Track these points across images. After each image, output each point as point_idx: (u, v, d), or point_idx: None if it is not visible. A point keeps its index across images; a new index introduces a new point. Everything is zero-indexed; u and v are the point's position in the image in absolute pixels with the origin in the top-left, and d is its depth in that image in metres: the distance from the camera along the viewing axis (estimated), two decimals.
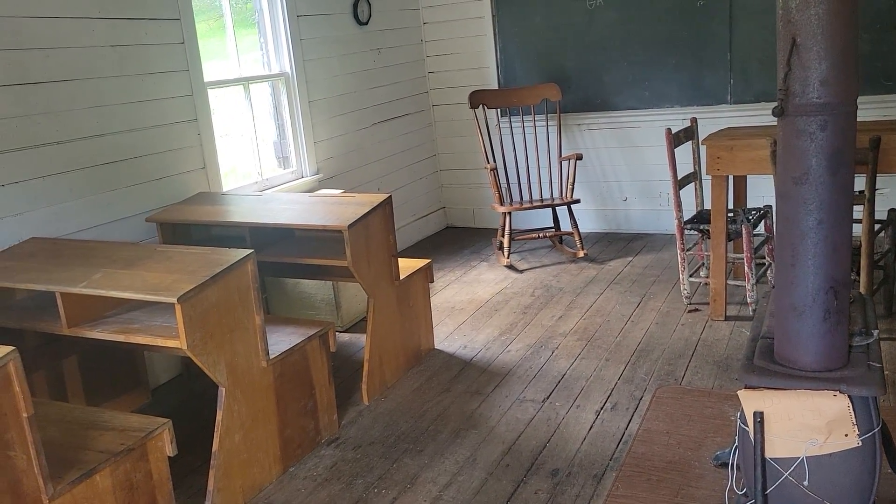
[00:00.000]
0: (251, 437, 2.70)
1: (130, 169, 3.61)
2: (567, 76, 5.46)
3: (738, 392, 1.97)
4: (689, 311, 4.05)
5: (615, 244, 5.39)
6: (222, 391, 2.57)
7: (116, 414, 2.46)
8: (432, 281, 3.85)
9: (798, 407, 1.88)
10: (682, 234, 4.02)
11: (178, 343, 2.44)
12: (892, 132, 3.40)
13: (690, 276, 4.20)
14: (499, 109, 5.57)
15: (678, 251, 4.07)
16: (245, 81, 4.38)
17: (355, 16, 5.09)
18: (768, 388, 1.92)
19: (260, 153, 4.51)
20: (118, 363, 3.34)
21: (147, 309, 2.82)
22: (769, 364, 1.97)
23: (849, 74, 1.74)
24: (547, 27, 5.44)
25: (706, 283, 4.12)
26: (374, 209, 3.32)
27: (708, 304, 3.98)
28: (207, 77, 4.00)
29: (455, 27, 5.76)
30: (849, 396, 1.83)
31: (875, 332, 2.02)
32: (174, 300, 2.37)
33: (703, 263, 4.37)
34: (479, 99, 5.27)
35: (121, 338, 2.62)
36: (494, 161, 5.27)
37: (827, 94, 1.73)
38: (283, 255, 3.43)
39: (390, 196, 3.44)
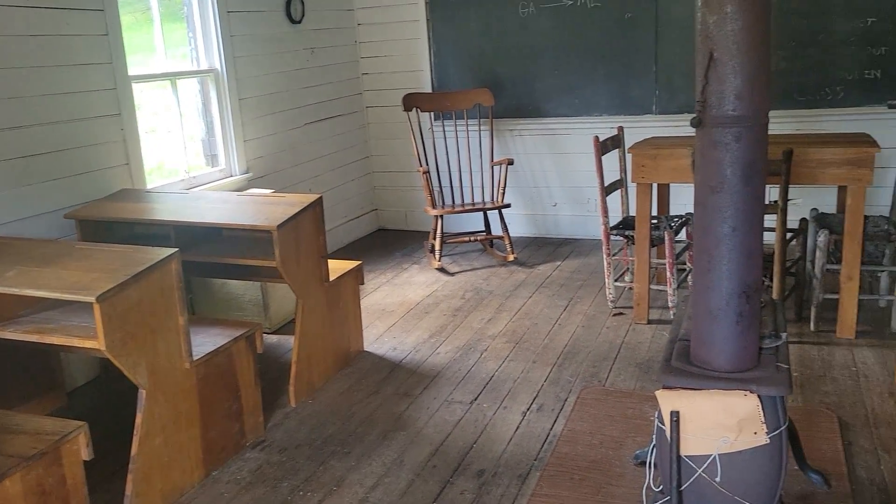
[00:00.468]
0: (172, 441, 2.64)
1: (49, 163, 3.48)
2: (500, 82, 5.53)
3: (656, 392, 2.04)
4: (614, 315, 4.15)
5: (544, 248, 5.48)
6: (142, 393, 2.51)
7: (29, 417, 2.37)
8: (363, 283, 3.84)
9: (711, 406, 1.96)
10: (608, 239, 4.12)
11: (97, 344, 2.37)
12: (804, 145, 3.58)
13: (616, 280, 4.31)
14: (432, 113, 5.60)
15: (604, 256, 4.18)
16: (172, 77, 4.28)
17: (288, 14, 5.04)
18: (684, 389, 1.99)
19: (187, 151, 4.41)
20: (32, 365, 3.21)
21: (64, 308, 2.73)
22: (685, 365, 2.04)
23: (761, 89, 1.82)
24: (481, 33, 5.50)
25: (630, 288, 4.23)
26: (304, 209, 3.29)
27: (632, 307, 4.10)
28: (132, 71, 3.89)
29: (390, 29, 5.77)
30: (758, 396, 1.92)
31: (784, 335, 2.12)
32: (92, 299, 2.30)
33: (628, 268, 4.49)
34: (412, 102, 5.29)
35: (35, 338, 2.52)
36: (427, 164, 5.29)
37: (741, 107, 1.81)
38: (209, 254, 3.36)
39: (321, 197, 3.41)
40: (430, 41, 5.66)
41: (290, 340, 3.96)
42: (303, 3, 5.15)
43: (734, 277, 1.92)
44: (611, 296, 4.23)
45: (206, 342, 2.85)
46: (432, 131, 5.51)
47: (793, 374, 3.32)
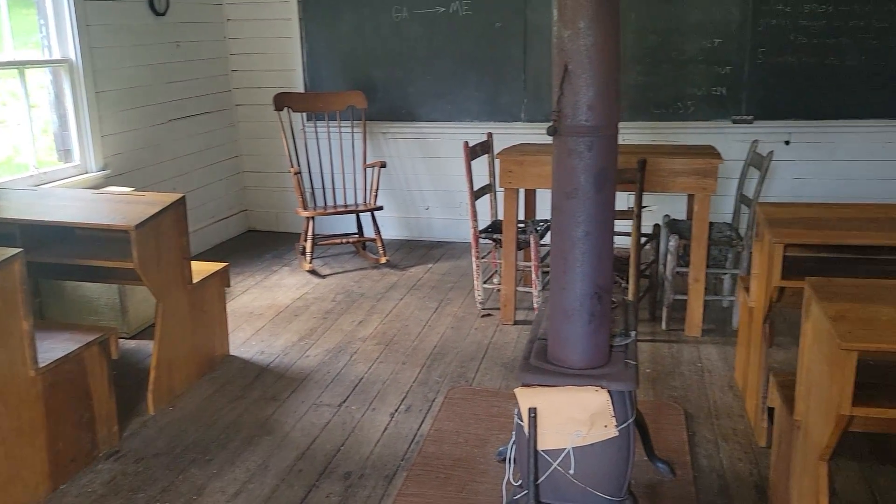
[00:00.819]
0: (14, 453, 2.46)
1: None
2: (374, 85, 5.54)
3: (515, 390, 2.11)
4: (483, 316, 4.25)
5: (416, 251, 5.53)
6: None
7: None
8: (228, 285, 3.73)
9: (566, 402, 2.06)
10: (477, 242, 4.22)
11: None
12: (658, 155, 3.81)
13: (484, 282, 4.42)
14: (305, 113, 5.53)
15: (473, 259, 4.27)
16: (20, 66, 4.00)
17: (151, 5, 4.82)
18: (541, 386, 2.08)
19: (37, 145, 4.13)
20: None
21: None
22: (543, 363, 2.13)
23: (611, 101, 1.93)
24: (355, 35, 5.49)
25: (498, 290, 4.35)
26: (165, 209, 3.16)
27: (499, 309, 4.21)
28: None
29: (261, 27, 5.65)
30: (608, 391, 2.03)
31: (633, 334, 2.25)
32: None
33: (496, 271, 4.61)
34: (284, 101, 5.20)
35: None
36: (299, 165, 5.22)
37: (593, 117, 1.92)
38: (60, 256, 3.17)
39: (184, 196, 3.30)
40: (303, 41, 5.58)
41: (149, 345, 3.79)
42: None
43: (587, 279, 2.02)
44: (479, 297, 4.33)
45: (54, 348, 2.68)
46: (304, 132, 5.45)
47: (646, 371, 3.53)
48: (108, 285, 3.78)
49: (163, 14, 4.93)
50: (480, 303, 4.34)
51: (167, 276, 3.21)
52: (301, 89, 5.64)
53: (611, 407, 2.04)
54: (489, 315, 4.26)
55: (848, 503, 2.52)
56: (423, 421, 3.13)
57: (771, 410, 2.59)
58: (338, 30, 5.51)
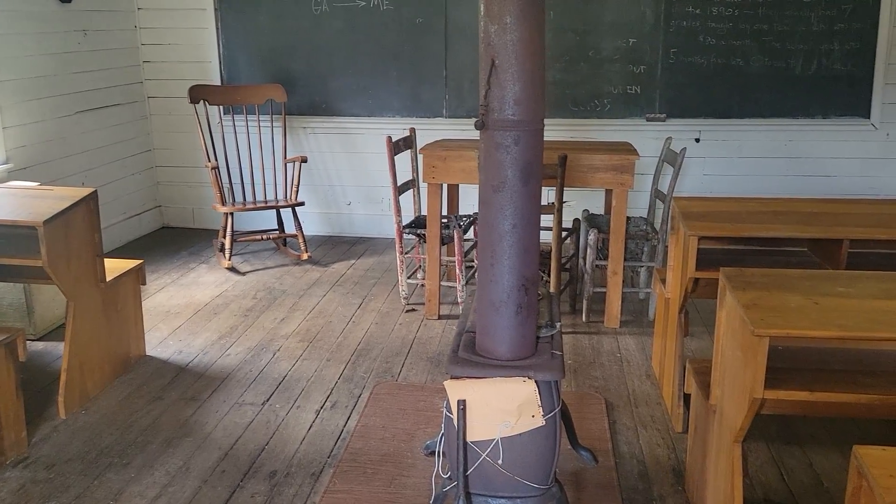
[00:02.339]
0: None
1: None
2: (294, 78, 5.45)
3: (445, 382, 2.12)
4: (407, 311, 4.25)
5: (339, 247, 5.48)
6: None
7: None
8: (144, 283, 3.61)
9: (494, 393, 2.08)
10: (401, 238, 4.22)
11: None
12: (578, 151, 3.90)
13: (408, 278, 4.41)
14: (222, 107, 5.39)
15: (397, 254, 4.26)
16: None
17: None
18: (470, 378, 2.09)
19: None
20: None
21: None
22: (471, 355, 2.15)
23: (537, 96, 1.97)
24: (273, 27, 5.38)
25: (422, 285, 4.36)
26: (75, 204, 3.03)
27: (424, 304, 4.22)
28: None
29: (174, 17, 5.46)
30: (535, 381, 2.06)
31: (558, 325, 2.30)
32: None
33: (420, 266, 4.62)
34: (200, 94, 5.05)
35: None
36: (216, 159, 5.08)
37: (519, 112, 1.94)
38: None
39: (95, 191, 3.16)
40: (219, 32, 5.44)
41: (59, 347, 3.62)
42: None
43: (514, 271, 2.05)
44: (404, 293, 4.33)
45: None
46: (221, 125, 5.30)
47: (568, 362, 3.61)
48: (13, 284, 3.59)
49: (68, 1, 4.70)
50: (405, 298, 4.34)
51: (78, 274, 3.07)
52: (217, 82, 5.50)
53: (538, 397, 2.08)
54: (413, 310, 4.26)
55: (759, 483, 2.66)
56: (349, 417, 3.11)
57: (687, 397, 2.69)
58: (256, 21, 5.39)
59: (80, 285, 3.10)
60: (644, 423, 3.08)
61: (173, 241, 5.56)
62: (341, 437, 2.95)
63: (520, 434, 2.11)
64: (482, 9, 1.93)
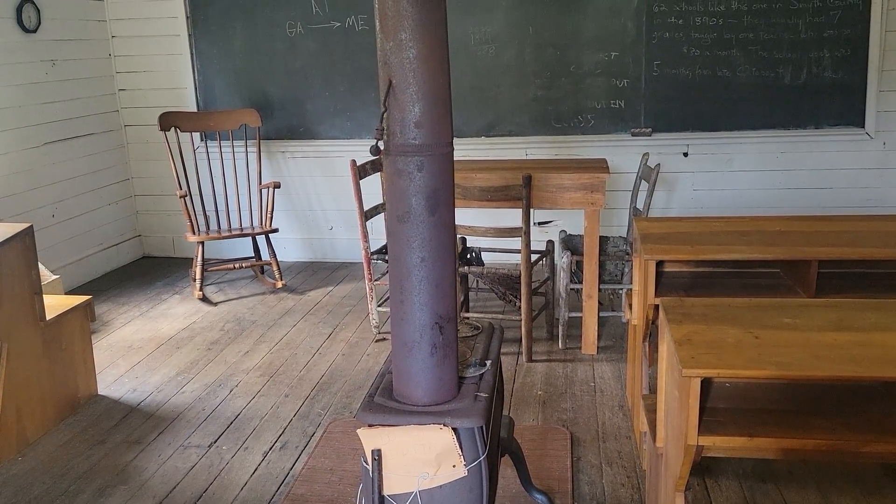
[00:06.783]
0: None
1: None
2: (271, 102, 5.34)
3: (358, 431, 1.95)
4: (377, 341, 4.09)
5: (319, 273, 5.34)
6: None
7: None
8: (93, 319, 3.48)
9: (410, 442, 1.90)
10: (369, 263, 4.06)
11: None
12: (546, 171, 3.72)
13: (379, 305, 4.25)
14: (198, 133, 5.29)
15: (366, 281, 4.10)
16: None
17: (20, 22, 4.53)
18: (384, 426, 1.92)
19: None
20: None
21: None
22: (387, 401, 1.97)
23: (441, 117, 1.80)
24: (248, 51, 5.29)
25: None
26: (7, 241, 2.91)
27: None
28: None
29: (148, 44, 5.39)
30: (453, 428, 1.88)
31: (488, 363, 2.12)
32: None
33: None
34: (170, 121, 4.95)
35: None
36: (188, 187, 4.97)
37: (421, 135, 1.78)
38: None
39: (31, 226, 3.05)
40: (194, 58, 5.36)
41: None
42: (38, 10, 4.66)
43: (426, 308, 1.88)
44: (374, 321, 4.16)
45: None
46: (195, 153, 5.20)
47: (537, 393, 3.41)
48: None
49: (33, 31, 4.64)
50: (375, 327, 4.17)
51: (13, 313, 2.95)
52: (194, 108, 5.41)
53: (457, 445, 1.90)
54: (384, 339, 4.09)
55: None
56: (297, 459, 2.94)
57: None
58: (230, 46, 5.30)
59: (16, 324, 2.98)
60: (610, 459, 2.87)
61: (151, 270, 5.45)
62: (285, 482, 2.79)
63: (440, 486, 1.92)
64: (377, 24, 1.78)
